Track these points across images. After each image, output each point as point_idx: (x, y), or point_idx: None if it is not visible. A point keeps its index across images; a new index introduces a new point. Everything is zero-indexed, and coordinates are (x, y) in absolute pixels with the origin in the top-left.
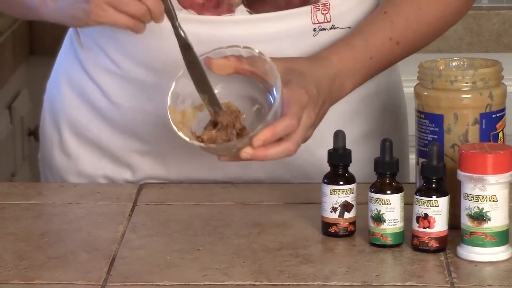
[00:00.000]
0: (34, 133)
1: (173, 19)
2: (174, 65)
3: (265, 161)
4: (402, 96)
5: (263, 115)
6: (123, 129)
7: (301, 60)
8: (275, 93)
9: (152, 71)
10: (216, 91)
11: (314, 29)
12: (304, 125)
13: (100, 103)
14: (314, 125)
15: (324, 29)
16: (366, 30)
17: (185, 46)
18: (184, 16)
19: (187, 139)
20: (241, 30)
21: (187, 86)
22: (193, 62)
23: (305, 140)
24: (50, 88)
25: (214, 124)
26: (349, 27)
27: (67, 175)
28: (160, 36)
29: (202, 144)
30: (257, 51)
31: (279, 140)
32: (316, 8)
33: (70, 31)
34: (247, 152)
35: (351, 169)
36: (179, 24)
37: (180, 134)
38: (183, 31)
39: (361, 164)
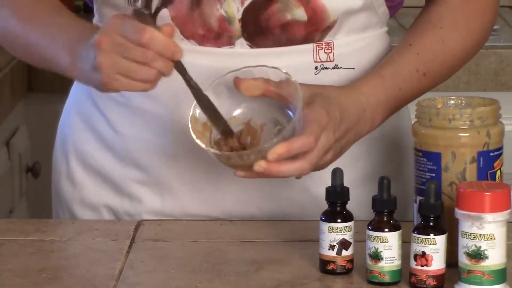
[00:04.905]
0: (32, 170)
1: (183, 73)
2: (174, 95)
3: (278, 177)
4: (410, 141)
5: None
6: (125, 158)
7: (331, 87)
8: (296, 111)
9: (152, 100)
10: (239, 111)
11: (316, 68)
12: (321, 146)
13: (105, 131)
14: (333, 149)
15: (326, 68)
16: (394, 62)
17: (198, 95)
18: (185, 47)
19: (203, 146)
20: (240, 63)
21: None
22: (208, 107)
23: (323, 165)
24: (62, 119)
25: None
26: (353, 68)
27: (72, 204)
28: None
29: (217, 152)
30: (284, 71)
31: (295, 157)
32: (319, 47)
33: None
34: (260, 165)
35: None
36: (189, 76)
37: (198, 141)
38: (194, 82)
39: (359, 207)
